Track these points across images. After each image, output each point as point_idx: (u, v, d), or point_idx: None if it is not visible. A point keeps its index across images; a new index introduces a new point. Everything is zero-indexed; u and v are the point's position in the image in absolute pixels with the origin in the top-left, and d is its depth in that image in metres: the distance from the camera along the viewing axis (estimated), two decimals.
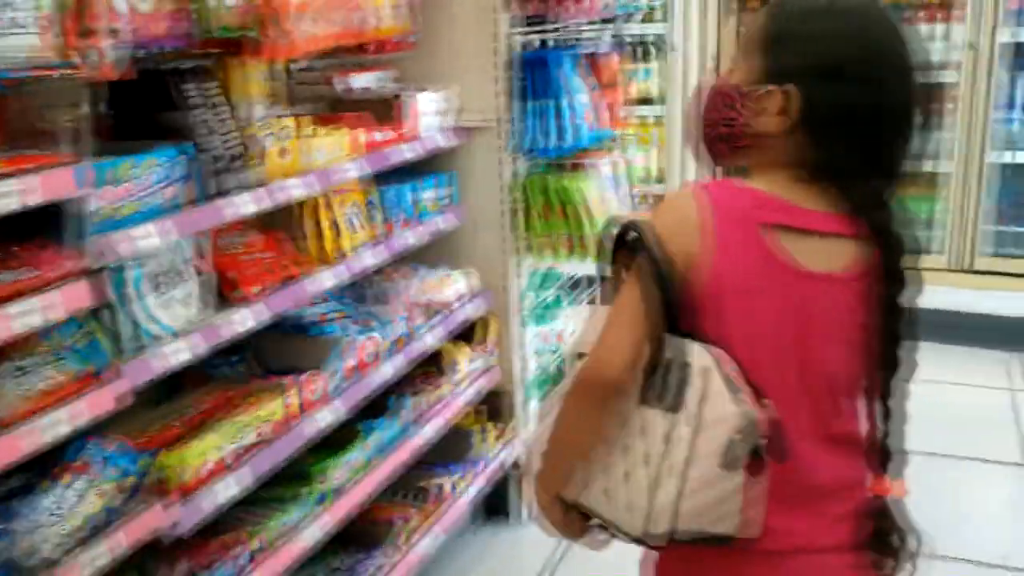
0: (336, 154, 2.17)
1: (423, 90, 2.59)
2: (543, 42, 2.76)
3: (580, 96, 2.57)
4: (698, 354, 1.15)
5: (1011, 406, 3.65)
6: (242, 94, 1.99)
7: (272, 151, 1.99)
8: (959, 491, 3.10)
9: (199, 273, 1.90)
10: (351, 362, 2.19)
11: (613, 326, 1.21)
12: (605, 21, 2.98)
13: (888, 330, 1.21)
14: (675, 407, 1.15)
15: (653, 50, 4.58)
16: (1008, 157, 4.06)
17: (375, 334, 2.28)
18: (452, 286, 2.64)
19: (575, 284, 3.36)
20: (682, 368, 1.15)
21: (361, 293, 2.55)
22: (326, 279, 2.14)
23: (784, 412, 1.17)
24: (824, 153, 1.19)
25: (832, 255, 1.20)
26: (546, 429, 1.30)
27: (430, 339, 2.49)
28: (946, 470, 3.21)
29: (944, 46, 4.16)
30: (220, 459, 1.84)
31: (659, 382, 1.16)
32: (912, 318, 1.22)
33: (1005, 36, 3.88)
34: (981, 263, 4.13)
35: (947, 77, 4.09)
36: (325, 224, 2.24)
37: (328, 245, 2.25)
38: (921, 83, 1.20)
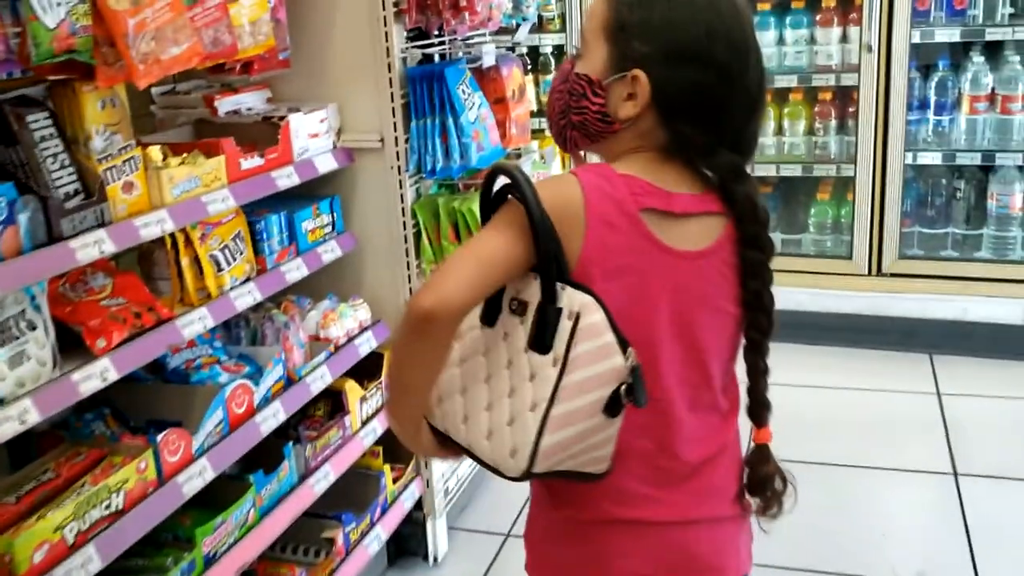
0: (195, 186, 1.96)
1: (297, 110, 2.40)
2: (426, 56, 2.59)
3: (468, 114, 2.40)
4: (569, 298, 1.17)
5: (938, 411, 3.60)
6: (79, 125, 1.77)
7: (115, 186, 1.78)
8: (880, 503, 3.03)
9: (32, 328, 1.68)
10: (219, 414, 1.99)
11: (452, 263, 1.19)
12: (498, 33, 2.83)
13: (757, 294, 1.28)
14: (544, 348, 1.18)
15: (552, 61, 4.45)
16: (910, 158, 4.03)
17: (246, 381, 2.08)
18: (339, 320, 2.45)
19: None
20: (555, 312, 1.17)
21: (236, 333, 2.34)
22: (188, 326, 1.93)
23: (658, 385, 1.25)
24: (678, 133, 1.25)
25: (701, 233, 1.26)
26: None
27: (316, 380, 2.29)
28: (865, 480, 3.14)
29: (842, 49, 4.12)
30: (61, 540, 1.62)
31: (529, 321, 1.19)
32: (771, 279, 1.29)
33: (902, 38, 3.84)
34: (891, 266, 4.09)
35: (849, 80, 4.06)
36: (186, 263, 2.04)
37: (190, 286, 2.04)
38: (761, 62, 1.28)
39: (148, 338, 1.84)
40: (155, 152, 1.88)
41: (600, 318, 1.16)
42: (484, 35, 2.78)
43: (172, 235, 2.00)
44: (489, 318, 1.24)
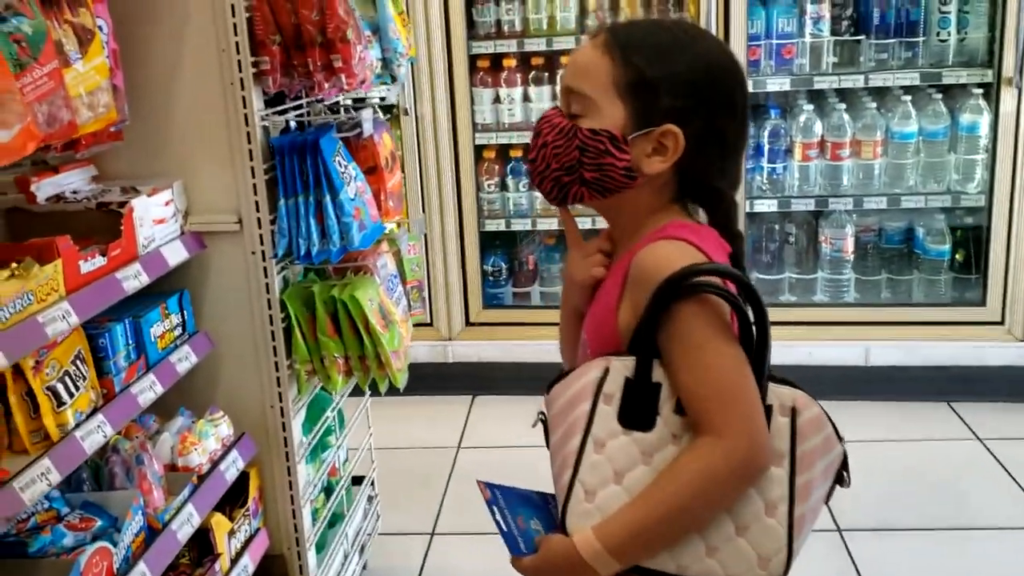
0: (28, 303, 1.51)
1: (135, 191, 1.97)
2: (287, 124, 2.22)
3: (347, 189, 2.06)
4: (776, 394, 1.19)
5: None
6: None
7: None
8: None
9: None
10: None
11: (743, 400, 1.15)
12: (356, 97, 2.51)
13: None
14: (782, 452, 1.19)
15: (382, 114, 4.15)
16: (748, 206, 4.05)
17: (103, 544, 1.63)
18: (200, 443, 2.03)
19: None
20: (768, 411, 1.18)
21: (76, 475, 1.86)
22: (29, 487, 1.47)
23: None
24: (704, 180, 1.29)
25: None
26: (642, 509, 1.17)
27: (184, 525, 1.86)
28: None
29: None
30: None
31: None
32: None
33: None
34: None
35: None
36: (14, 400, 1.57)
37: (22, 428, 1.58)
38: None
39: None
40: None
41: (818, 411, 1.20)
42: (343, 98, 2.45)
43: None
44: (640, 421, 1.18)
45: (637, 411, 1.17)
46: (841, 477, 1.22)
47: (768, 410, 1.17)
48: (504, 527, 1.29)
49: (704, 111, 1.24)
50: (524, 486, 1.37)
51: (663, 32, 1.29)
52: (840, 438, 1.21)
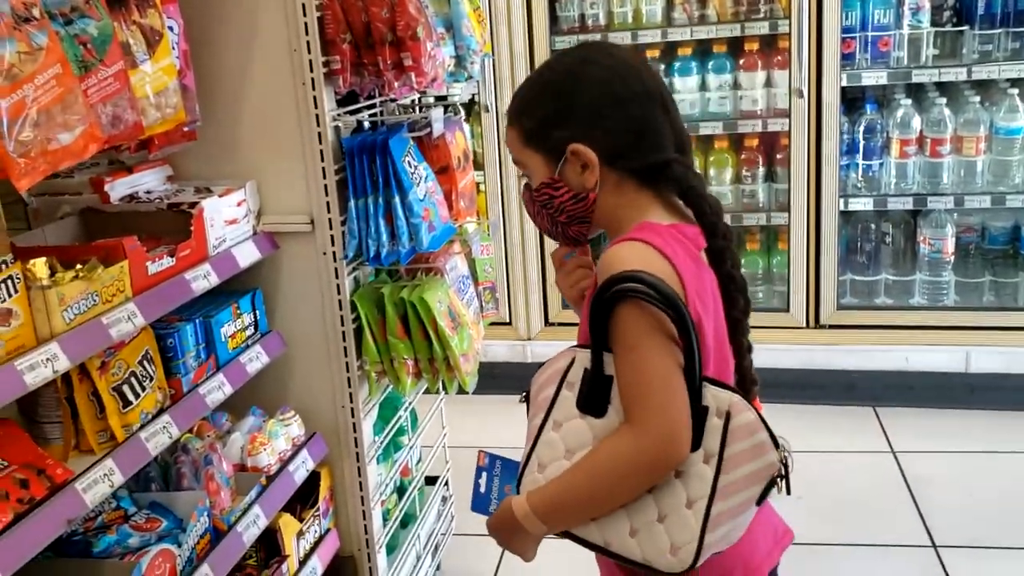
0: (93, 304, 1.52)
1: (208, 191, 1.98)
2: (359, 124, 2.20)
3: (417, 190, 2.03)
4: (713, 396, 1.26)
5: (898, 472, 3.40)
6: None
7: None
8: None
9: None
10: None
11: (661, 398, 1.24)
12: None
13: (730, 276, 1.36)
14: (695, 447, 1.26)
15: (463, 111, 4.11)
16: (841, 204, 3.88)
17: (167, 545, 1.63)
18: (270, 443, 2.03)
19: None
20: (703, 410, 1.26)
21: (144, 473, 1.88)
22: (92, 488, 1.47)
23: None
24: (636, 168, 1.38)
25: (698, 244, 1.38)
26: (565, 482, 1.31)
27: (250, 527, 1.86)
28: (840, 561, 2.89)
29: (767, 93, 3.95)
30: None
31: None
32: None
33: (832, 81, 3.70)
34: (830, 317, 3.92)
35: (775, 126, 3.89)
36: (81, 400, 1.59)
37: (88, 428, 1.59)
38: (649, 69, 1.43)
39: (40, 515, 1.38)
40: (40, 267, 1.43)
41: (753, 417, 1.26)
42: (418, 97, 2.42)
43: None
44: (593, 407, 1.30)
45: (593, 399, 1.30)
46: (774, 483, 1.26)
47: (704, 411, 1.25)
48: (482, 490, 1.50)
49: (585, 117, 1.37)
50: None
51: (534, 84, 1.45)
52: (777, 445, 1.26)
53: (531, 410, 1.39)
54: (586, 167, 1.38)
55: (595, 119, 1.37)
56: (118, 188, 1.92)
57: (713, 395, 1.26)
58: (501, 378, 4.20)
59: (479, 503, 1.51)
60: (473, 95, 3.95)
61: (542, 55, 3.85)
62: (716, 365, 1.35)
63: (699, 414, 1.25)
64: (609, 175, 1.39)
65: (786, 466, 1.27)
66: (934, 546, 2.95)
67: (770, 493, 1.28)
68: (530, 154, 1.43)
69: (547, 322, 4.15)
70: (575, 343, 1.43)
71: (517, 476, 1.38)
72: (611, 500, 1.29)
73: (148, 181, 2.02)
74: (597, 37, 3.90)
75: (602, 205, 1.41)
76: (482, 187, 4.06)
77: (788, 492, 1.28)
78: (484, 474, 1.51)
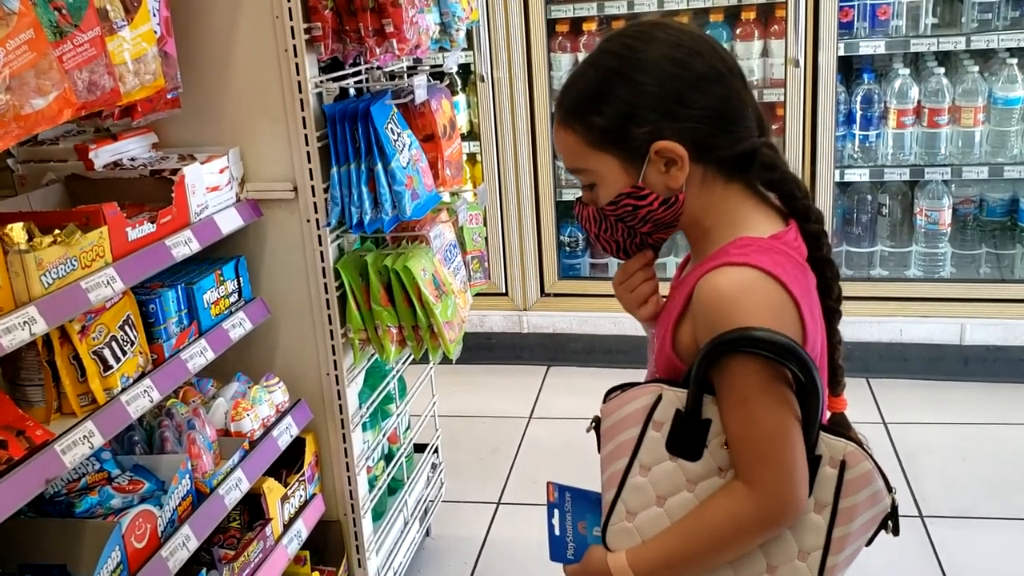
0: (71, 269, 1.54)
1: (191, 158, 1.99)
2: (344, 92, 2.21)
3: (400, 157, 2.03)
4: (827, 446, 1.21)
5: (888, 443, 3.42)
6: None
7: None
8: None
9: None
10: (116, 556, 1.57)
11: (782, 458, 1.17)
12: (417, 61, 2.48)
13: (832, 265, 1.29)
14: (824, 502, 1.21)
15: (459, 81, 4.11)
16: (838, 175, 3.87)
17: (148, 506, 1.66)
18: (253, 408, 2.05)
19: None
20: (815, 460, 1.21)
21: (126, 436, 1.91)
22: (71, 449, 1.50)
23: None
24: (725, 153, 1.24)
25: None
26: (676, 543, 1.23)
27: (231, 490, 1.89)
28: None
29: (763, 63, 3.93)
30: None
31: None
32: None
33: (829, 51, 3.67)
34: None
35: (772, 96, 3.87)
36: (62, 364, 1.61)
37: (69, 391, 1.62)
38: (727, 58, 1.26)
39: (18, 475, 1.40)
40: (17, 231, 1.45)
41: (869, 467, 1.21)
42: (404, 64, 2.42)
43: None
44: (687, 451, 1.22)
45: (685, 441, 1.21)
46: (886, 526, 1.24)
47: (817, 460, 1.20)
48: (557, 531, 1.34)
49: (665, 105, 1.21)
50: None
51: (593, 74, 1.26)
52: (890, 489, 1.23)
53: (610, 449, 1.28)
54: (671, 164, 1.23)
55: (677, 106, 1.20)
56: (102, 155, 1.93)
57: (827, 444, 1.20)
58: (497, 349, 4.23)
59: (557, 549, 1.35)
60: (470, 64, 3.94)
61: (537, 24, 3.83)
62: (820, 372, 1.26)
63: (812, 463, 1.19)
64: (694, 170, 1.24)
65: (895, 507, 1.23)
66: (920, 516, 2.97)
67: (878, 535, 1.25)
68: (600, 159, 1.25)
69: (543, 292, 4.16)
70: (649, 368, 1.35)
71: (600, 519, 1.29)
72: (723, 559, 1.23)
73: (133, 148, 2.03)
74: (593, 6, 3.88)
75: (693, 204, 1.26)
76: (478, 157, 4.06)
77: (896, 534, 1.24)
78: (556, 512, 1.35)
